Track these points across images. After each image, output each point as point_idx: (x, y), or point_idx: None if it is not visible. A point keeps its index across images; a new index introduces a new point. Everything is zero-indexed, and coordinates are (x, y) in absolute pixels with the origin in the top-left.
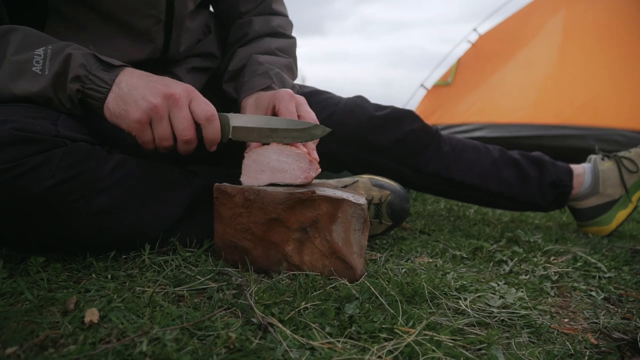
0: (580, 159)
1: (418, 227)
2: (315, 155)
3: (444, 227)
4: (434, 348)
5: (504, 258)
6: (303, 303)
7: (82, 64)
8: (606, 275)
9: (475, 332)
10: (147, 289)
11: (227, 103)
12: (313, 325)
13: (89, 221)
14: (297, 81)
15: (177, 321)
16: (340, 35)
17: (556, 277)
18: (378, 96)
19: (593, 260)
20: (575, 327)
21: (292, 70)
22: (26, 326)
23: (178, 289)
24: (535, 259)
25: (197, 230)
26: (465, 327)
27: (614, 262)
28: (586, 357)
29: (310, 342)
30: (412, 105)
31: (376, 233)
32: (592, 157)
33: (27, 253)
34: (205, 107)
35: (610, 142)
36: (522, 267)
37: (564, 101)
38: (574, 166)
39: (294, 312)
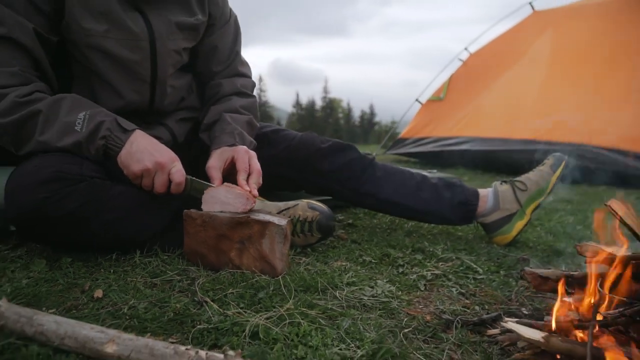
0: None
1: (353, 237)
2: (255, 192)
3: (374, 238)
4: (300, 318)
5: (402, 263)
6: (231, 289)
7: (108, 128)
8: (478, 277)
9: (339, 310)
10: (134, 279)
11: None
12: (232, 303)
13: (98, 229)
14: (319, 83)
15: (149, 298)
16: (363, 37)
17: (432, 277)
18: (400, 98)
19: (474, 266)
20: (423, 310)
21: (252, 125)
22: (60, 299)
23: (154, 279)
24: (427, 264)
25: (174, 240)
26: (334, 307)
27: (495, 267)
28: (411, 328)
29: (226, 312)
30: (408, 117)
31: (310, 243)
32: (494, 183)
33: (60, 253)
34: (178, 176)
35: (578, 158)
36: (412, 269)
37: (541, 118)
38: (480, 190)
39: (222, 294)
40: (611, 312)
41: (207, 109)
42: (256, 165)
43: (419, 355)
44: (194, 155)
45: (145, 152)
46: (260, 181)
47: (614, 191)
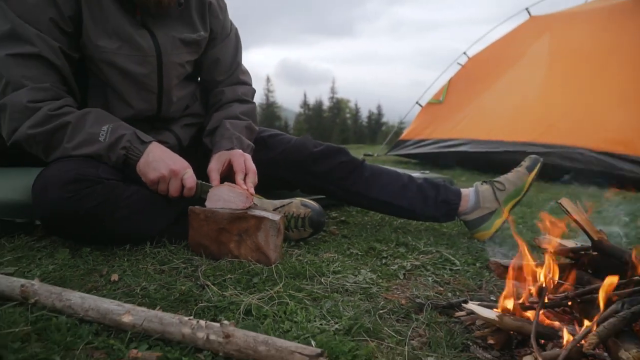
0: (544, 174)
1: (344, 232)
2: (252, 190)
3: (363, 233)
4: (288, 299)
5: (386, 255)
6: (229, 275)
7: (129, 140)
8: (455, 268)
9: (323, 293)
10: (145, 266)
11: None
12: (230, 286)
13: (113, 225)
14: (326, 83)
15: (158, 281)
16: (371, 37)
17: (411, 267)
18: (408, 98)
19: (452, 258)
20: (399, 296)
21: (251, 129)
22: (82, 281)
23: (162, 266)
24: (409, 256)
25: (180, 233)
26: (318, 291)
27: (472, 259)
28: (387, 309)
29: (224, 293)
30: (410, 118)
31: (303, 237)
32: (475, 183)
33: (81, 243)
34: (190, 182)
35: (570, 160)
36: (395, 261)
37: (535, 121)
38: (462, 190)
39: (222, 279)
40: (557, 295)
41: (210, 116)
42: (251, 166)
43: (389, 331)
44: (199, 158)
45: (161, 161)
46: (256, 180)
47: (601, 191)
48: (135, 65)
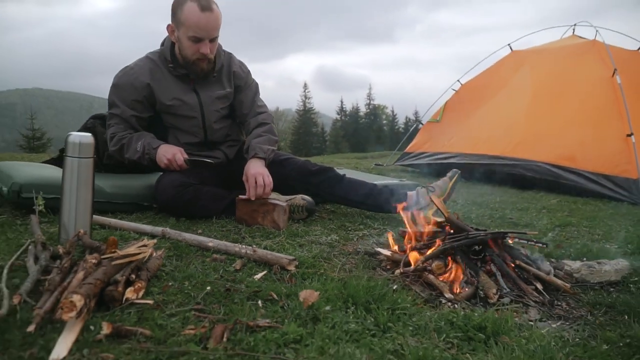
0: (509, 181)
1: (330, 217)
2: (253, 198)
3: (342, 218)
4: (286, 244)
5: (350, 229)
6: (257, 233)
7: (148, 149)
8: (392, 237)
9: (306, 243)
10: (214, 227)
11: (243, 158)
12: (257, 237)
13: (197, 209)
14: (363, 90)
15: (221, 233)
16: (410, 42)
17: (362, 235)
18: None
19: (393, 232)
20: (349, 248)
21: (271, 141)
22: (185, 231)
23: (222, 228)
24: (364, 229)
25: (231, 213)
26: (303, 242)
27: None
28: (339, 253)
29: (254, 240)
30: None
31: (302, 218)
32: (417, 187)
33: (180, 217)
34: (179, 162)
35: (530, 171)
36: (355, 232)
37: (507, 139)
38: (409, 192)
39: (253, 234)
40: (420, 244)
41: (245, 140)
42: (267, 180)
43: (336, 260)
44: (240, 165)
45: (162, 156)
46: (267, 190)
47: (548, 196)
48: (190, 113)
